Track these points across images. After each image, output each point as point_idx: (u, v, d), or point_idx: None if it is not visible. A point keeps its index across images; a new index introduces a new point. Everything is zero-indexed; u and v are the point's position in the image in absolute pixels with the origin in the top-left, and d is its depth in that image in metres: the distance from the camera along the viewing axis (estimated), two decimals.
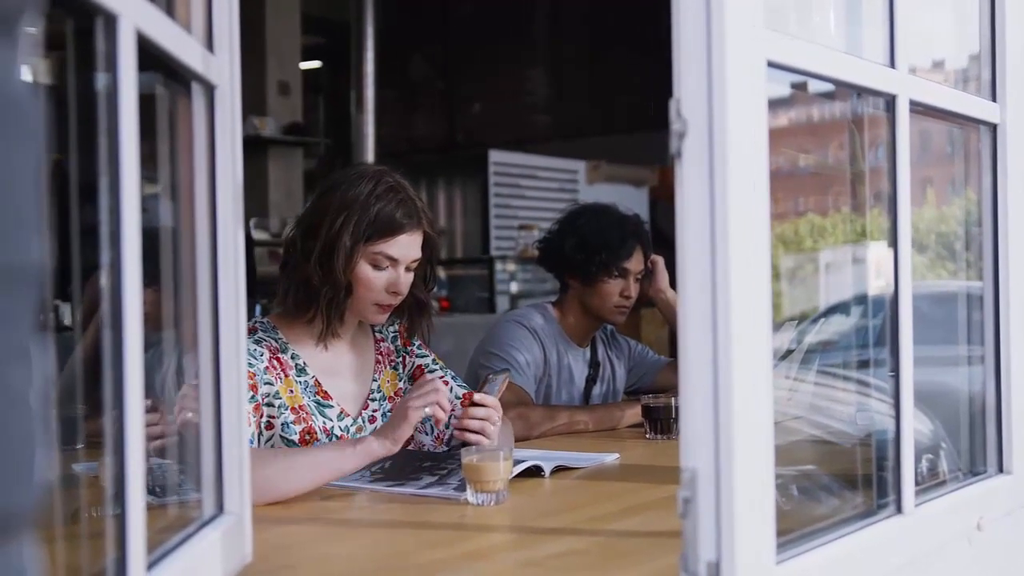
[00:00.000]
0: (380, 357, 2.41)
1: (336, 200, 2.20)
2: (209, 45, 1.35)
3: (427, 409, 1.99)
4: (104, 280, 1.01)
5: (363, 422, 2.31)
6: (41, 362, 0.61)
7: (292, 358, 2.25)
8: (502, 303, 7.25)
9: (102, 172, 1.00)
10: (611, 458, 2.36)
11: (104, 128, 1.00)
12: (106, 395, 1.00)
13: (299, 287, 2.23)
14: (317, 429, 2.21)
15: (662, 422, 2.65)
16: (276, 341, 2.25)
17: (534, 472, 2.13)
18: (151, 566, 1.07)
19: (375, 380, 2.37)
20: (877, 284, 1.92)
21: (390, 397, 2.38)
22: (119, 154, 1.00)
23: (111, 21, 0.99)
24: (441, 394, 2.02)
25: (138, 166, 1.02)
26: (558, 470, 2.19)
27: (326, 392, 2.26)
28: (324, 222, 2.19)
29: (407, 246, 2.23)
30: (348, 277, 2.20)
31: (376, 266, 2.22)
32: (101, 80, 1.01)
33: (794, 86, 1.46)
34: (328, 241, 2.18)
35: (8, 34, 0.59)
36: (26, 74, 0.62)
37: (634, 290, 3.02)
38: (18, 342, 0.59)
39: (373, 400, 2.36)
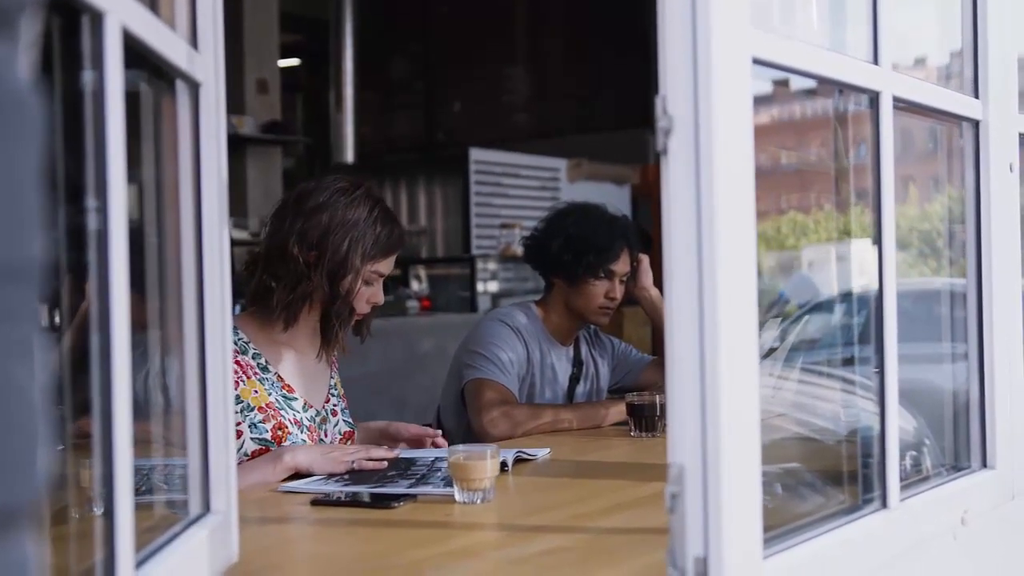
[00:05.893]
0: (333, 358, 2.50)
1: (335, 220, 2.26)
2: (194, 42, 1.34)
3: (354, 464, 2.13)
4: (91, 280, 1.00)
5: (327, 414, 2.40)
6: (43, 358, 0.61)
7: (253, 357, 2.29)
8: (483, 302, 7.24)
9: (88, 170, 0.99)
10: (543, 452, 2.38)
11: (90, 126, 0.99)
12: (93, 396, 0.99)
13: (301, 300, 2.27)
14: (288, 423, 2.27)
15: (646, 419, 2.66)
16: (236, 343, 2.26)
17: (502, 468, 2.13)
18: (139, 564, 1.07)
19: (332, 377, 2.47)
20: (860, 281, 1.93)
21: (342, 395, 2.49)
22: (106, 152, 0.99)
23: (97, 18, 0.98)
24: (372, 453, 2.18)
25: (125, 164, 1.01)
26: (517, 462, 2.23)
27: (289, 386, 2.32)
28: (327, 241, 2.25)
29: (393, 262, 2.36)
30: (354, 297, 2.28)
31: (368, 283, 2.31)
32: (87, 77, 1.00)
33: (775, 83, 1.46)
34: (337, 262, 2.25)
35: (8, 31, 0.59)
36: (26, 71, 0.62)
37: (619, 292, 3.01)
38: (22, 337, 0.59)
39: (333, 395, 2.45)
